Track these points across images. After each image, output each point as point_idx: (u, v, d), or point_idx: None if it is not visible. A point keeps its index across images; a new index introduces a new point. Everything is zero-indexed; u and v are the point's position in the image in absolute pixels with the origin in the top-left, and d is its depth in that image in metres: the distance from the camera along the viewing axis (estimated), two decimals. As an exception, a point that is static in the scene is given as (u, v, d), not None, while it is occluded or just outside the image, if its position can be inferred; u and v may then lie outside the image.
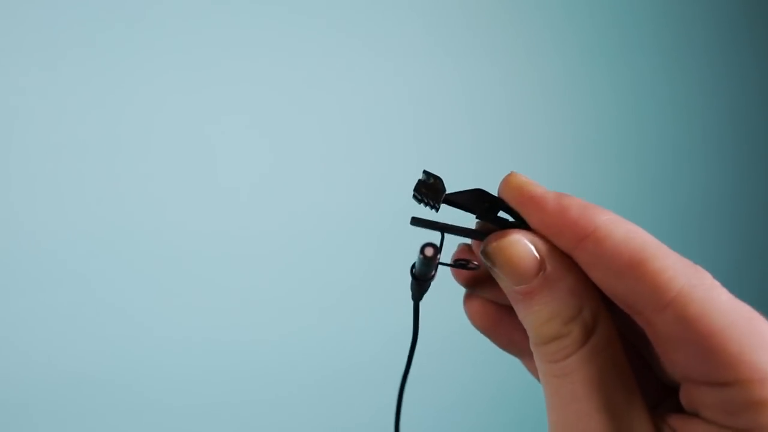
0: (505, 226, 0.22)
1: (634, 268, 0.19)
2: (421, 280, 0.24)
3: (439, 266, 0.23)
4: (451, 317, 0.80)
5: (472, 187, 0.23)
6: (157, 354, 0.85)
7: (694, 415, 0.20)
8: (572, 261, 0.21)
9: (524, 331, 0.22)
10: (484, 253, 0.21)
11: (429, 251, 0.22)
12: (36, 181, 0.78)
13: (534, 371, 0.24)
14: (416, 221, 0.23)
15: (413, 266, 0.23)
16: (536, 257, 0.20)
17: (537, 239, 0.21)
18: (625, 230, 0.20)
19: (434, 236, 0.23)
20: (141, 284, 0.83)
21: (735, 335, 0.18)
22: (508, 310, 0.24)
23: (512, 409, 1.06)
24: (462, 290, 0.25)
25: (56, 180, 0.79)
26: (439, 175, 0.23)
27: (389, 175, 0.96)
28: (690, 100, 1.22)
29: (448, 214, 0.24)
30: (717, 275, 0.20)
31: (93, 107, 0.81)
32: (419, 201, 0.23)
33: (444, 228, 0.23)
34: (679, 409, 0.21)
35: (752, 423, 0.18)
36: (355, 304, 0.96)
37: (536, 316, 0.20)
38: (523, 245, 0.21)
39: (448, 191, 0.23)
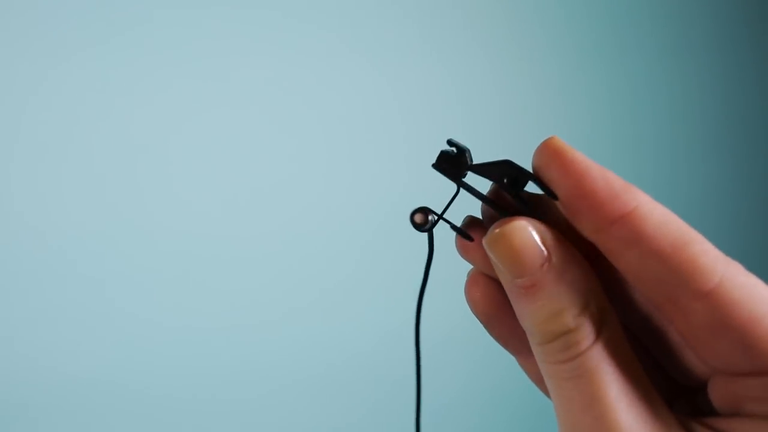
0: (520, 205, 0.20)
1: (678, 250, 0.18)
2: (421, 231, 0.22)
3: (440, 222, 0.22)
4: (450, 314, 0.79)
5: (500, 159, 0.21)
6: (162, 354, 0.85)
7: (734, 413, 0.19)
8: (577, 252, 0.19)
9: None
10: (485, 244, 0.20)
11: (418, 218, 0.20)
12: (45, 180, 0.78)
13: (532, 372, 0.23)
14: (437, 167, 0.21)
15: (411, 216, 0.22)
16: (540, 247, 0.19)
17: (542, 227, 0.19)
18: (663, 211, 0.19)
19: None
20: (146, 283, 0.84)
21: None
22: None
23: (512, 407, 1.05)
24: (460, 287, 0.24)
25: (64, 179, 0.79)
26: (466, 146, 0.21)
27: (381, 177, 0.96)
28: (688, 99, 1.22)
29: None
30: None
31: (102, 106, 0.81)
32: (441, 172, 0.21)
33: (462, 184, 0.21)
34: (696, 410, 0.20)
35: None
36: (348, 302, 0.96)
37: (540, 311, 0.19)
38: (527, 233, 0.19)
39: (467, 166, 0.21)
